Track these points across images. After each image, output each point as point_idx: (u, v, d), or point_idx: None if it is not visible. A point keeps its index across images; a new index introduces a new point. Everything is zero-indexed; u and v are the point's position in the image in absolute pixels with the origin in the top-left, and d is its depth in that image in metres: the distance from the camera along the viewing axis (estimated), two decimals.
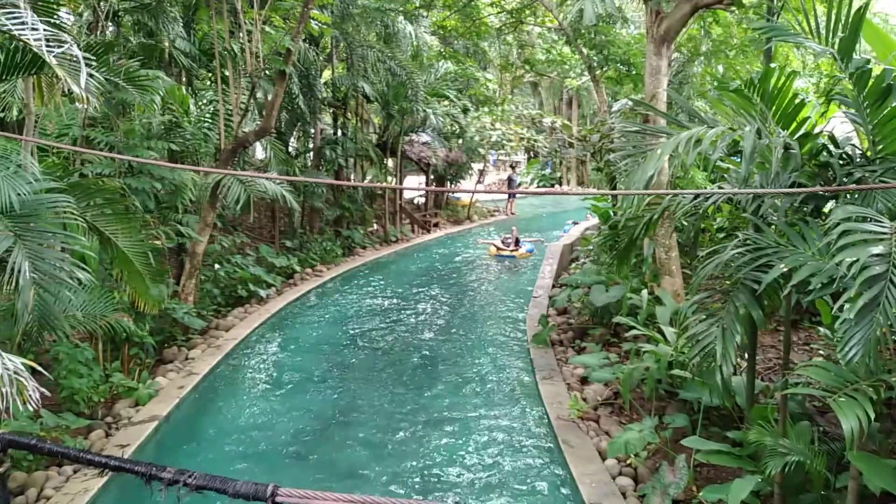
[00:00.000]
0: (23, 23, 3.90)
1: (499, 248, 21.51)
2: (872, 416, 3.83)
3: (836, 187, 4.58)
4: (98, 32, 10.61)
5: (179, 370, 10.29)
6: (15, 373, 3.12)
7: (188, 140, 12.24)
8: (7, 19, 3.94)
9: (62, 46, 3.97)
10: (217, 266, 14.10)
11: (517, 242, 21.61)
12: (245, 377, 10.59)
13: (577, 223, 23.84)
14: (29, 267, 5.18)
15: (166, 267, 11.46)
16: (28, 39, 3.86)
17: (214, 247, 14.21)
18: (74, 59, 3.98)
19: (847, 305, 3.77)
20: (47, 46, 3.90)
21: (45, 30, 3.91)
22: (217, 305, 13.38)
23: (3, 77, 5.65)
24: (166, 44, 13.03)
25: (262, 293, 14.40)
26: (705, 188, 9.64)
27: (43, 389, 3.35)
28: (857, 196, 4.40)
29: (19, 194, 5.44)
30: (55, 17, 5.46)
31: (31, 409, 3.21)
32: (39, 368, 3.65)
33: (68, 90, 4.38)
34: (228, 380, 10.40)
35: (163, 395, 9.30)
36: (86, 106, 4.59)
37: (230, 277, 14.15)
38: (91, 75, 4.23)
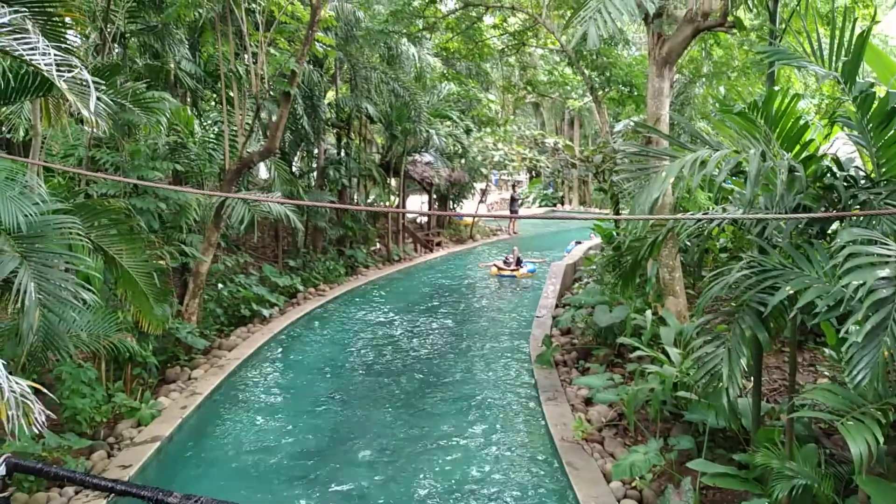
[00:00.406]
0: (34, 48, 3.95)
1: (500, 268, 21.52)
2: (881, 439, 3.80)
3: (840, 212, 4.59)
4: (105, 54, 10.69)
5: (182, 390, 10.26)
6: (21, 395, 3.12)
7: (193, 160, 12.31)
8: (18, 44, 3.98)
9: (72, 71, 4.01)
10: (220, 285, 14.10)
11: (518, 262, 21.60)
12: (247, 397, 10.55)
13: (580, 242, 23.82)
14: (34, 288, 5.19)
15: (170, 287, 11.47)
16: (39, 64, 3.90)
17: (218, 266, 14.23)
18: (84, 83, 4.02)
19: (853, 328, 3.76)
20: (57, 71, 3.93)
21: (55, 54, 3.95)
22: (220, 325, 13.37)
23: (13, 99, 5.70)
24: (172, 65, 13.15)
25: (265, 313, 14.39)
26: (709, 209, 9.66)
27: (48, 412, 3.34)
28: (862, 219, 4.41)
29: (26, 215, 5.46)
30: (64, 40, 5.52)
31: (35, 430, 3.21)
32: (44, 390, 3.65)
33: (76, 112, 4.41)
34: (231, 400, 10.35)
35: (165, 416, 9.27)
36: (95, 129, 4.61)
37: (233, 297, 14.16)
38: (99, 98, 4.27)
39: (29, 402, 3.15)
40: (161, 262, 10.24)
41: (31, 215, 5.54)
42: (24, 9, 5.04)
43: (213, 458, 8.48)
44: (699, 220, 5.36)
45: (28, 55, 3.94)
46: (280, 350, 13.09)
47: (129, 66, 12.57)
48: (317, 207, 18.47)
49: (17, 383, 3.14)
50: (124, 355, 8.87)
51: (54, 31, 6.05)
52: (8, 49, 4.22)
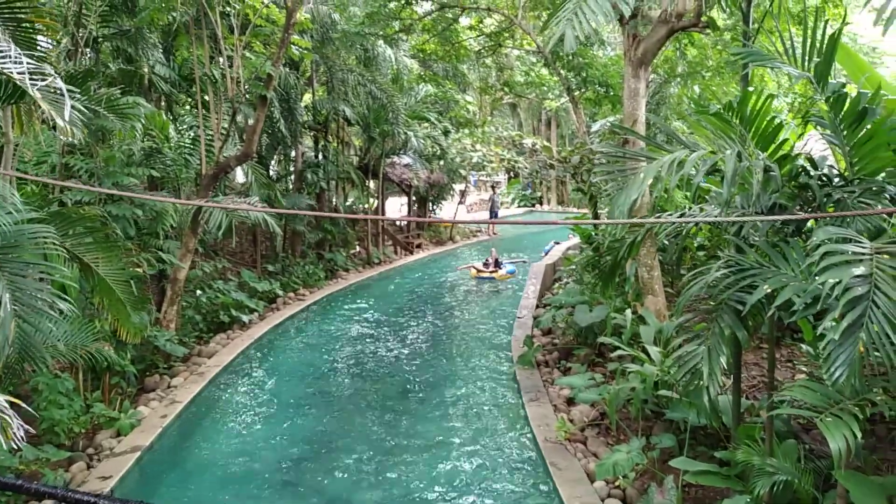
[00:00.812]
0: (5, 56, 3.88)
1: (479, 270, 21.40)
2: (859, 435, 3.86)
3: (814, 214, 4.65)
4: (77, 59, 10.55)
5: (162, 399, 10.14)
6: None
7: (169, 166, 12.18)
8: None
9: (46, 79, 3.94)
10: (199, 292, 13.97)
11: (497, 264, 21.50)
12: (228, 405, 10.46)
13: (558, 243, 23.91)
14: (10, 299, 5.10)
15: (148, 294, 11.34)
16: (11, 73, 3.83)
17: (196, 272, 14.10)
18: (58, 91, 3.95)
19: (830, 324, 3.82)
20: (31, 79, 3.86)
21: (27, 63, 3.88)
22: (199, 332, 13.25)
23: None
24: (146, 69, 13.00)
25: (245, 318, 14.28)
26: (686, 207, 9.76)
27: (27, 426, 3.29)
28: (838, 217, 4.47)
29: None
30: (36, 47, 5.42)
31: (14, 446, 3.15)
32: (22, 404, 3.59)
33: (49, 119, 4.34)
34: (212, 407, 10.26)
35: (145, 425, 9.16)
36: (70, 138, 4.54)
37: (212, 303, 14.02)
38: (74, 107, 4.20)
39: (7, 417, 3.10)
40: (138, 269, 10.13)
41: (4, 225, 5.45)
42: None
43: (195, 467, 8.39)
44: (674, 223, 5.41)
45: (0, 64, 3.87)
46: (260, 356, 12.99)
47: (103, 70, 12.40)
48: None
49: None
50: (102, 365, 8.76)
51: (26, 37, 5.96)
52: None
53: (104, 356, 8.51)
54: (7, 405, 3.17)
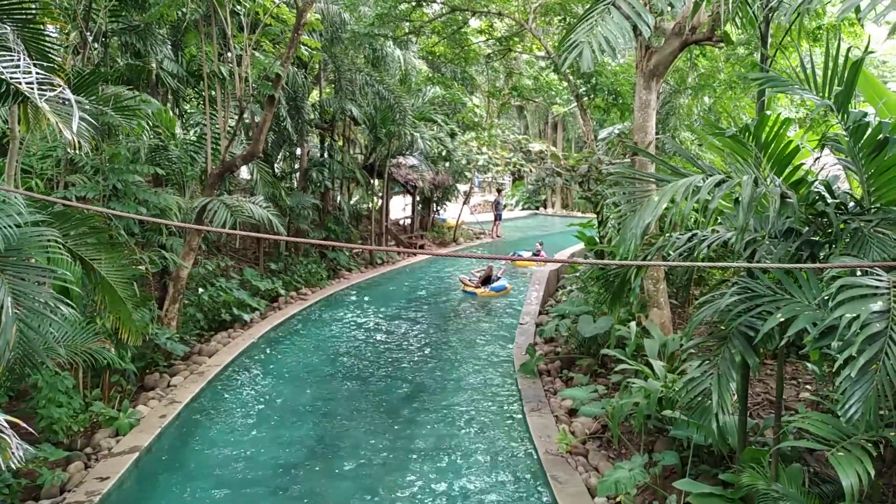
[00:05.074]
0: (16, 66, 3.81)
1: (465, 284, 19.43)
2: (873, 472, 3.79)
3: (825, 264, 4.57)
4: (85, 55, 10.48)
5: (161, 398, 10.10)
6: None
7: (174, 163, 12.12)
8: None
9: (55, 89, 3.88)
10: (201, 290, 13.90)
11: (488, 280, 19.19)
12: (228, 406, 10.40)
13: (520, 255, 23.66)
14: (11, 303, 5.04)
15: (150, 292, 11.28)
16: (20, 84, 3.76)
17: (198, 270, 14.03)
18: (67, 102, 3.88)
19: (844, 359, 3.74)
20: (39, 90, 3.80)
21: (37, 73, 3.81)
22: (200, 330, 13.19)
23: None
24: (154, 65, 12.93)
25: (246, 317, 14.21)
26: (696, 221, 9.68)
27: (28, 447, 3.23)
28: (853, 246, 4.40)
29: (3, 227, 5.31)
30: (46, 52, 5.35)
31: (13, 465, 3.09)
32: (23, 424, 3.52)
33: (59, 132, 4.27)
34: (211, 408, 10.21)
35: (144, 425, 9.13)
36: (76, 151, 4.48)
37: (214, 301, 13.96)
38: (82, 119, 4.12)
39: (6, 437, 3.04)
40: (141, 267, 10.07)
41: (7, 228, 5.38)
42: (7, 18, 4.88)
43: (193, 469, 8.34)
44: (687, 266, 5.33)
45: (10, 74, 3.79)
46: (261, 356, 12.93)
47: (111, 65, 12.34)
48: (299, 210, 18.34)
49: None
50: (102, 363, 8.71)
51: (34, 35, 5.89)
52: None
53: (104, 355, 8.45)
54: (6, 425, 3.11)
